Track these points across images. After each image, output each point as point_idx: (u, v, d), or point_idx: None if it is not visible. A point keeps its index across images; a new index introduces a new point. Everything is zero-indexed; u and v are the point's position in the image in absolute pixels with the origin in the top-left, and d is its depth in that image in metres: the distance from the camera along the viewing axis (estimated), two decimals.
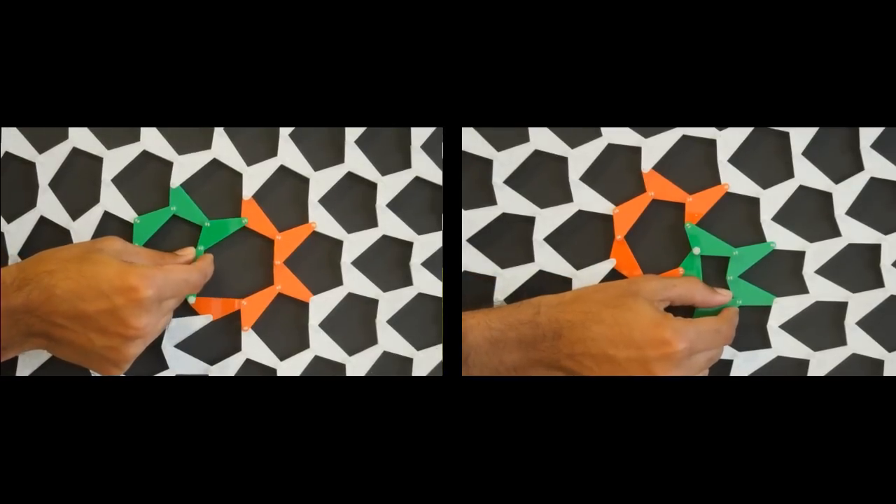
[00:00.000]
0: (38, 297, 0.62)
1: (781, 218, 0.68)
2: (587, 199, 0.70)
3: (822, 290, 0.68)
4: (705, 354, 0.65)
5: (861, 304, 0.68)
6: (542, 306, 0.65)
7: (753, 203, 0.69)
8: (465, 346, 0.65)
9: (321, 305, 0.70)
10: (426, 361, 0.71)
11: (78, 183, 0.71)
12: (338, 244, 0.71)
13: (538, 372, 0.65)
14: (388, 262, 0.71)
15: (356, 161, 0.71)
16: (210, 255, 0.69)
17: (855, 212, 0.68)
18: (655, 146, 0.69)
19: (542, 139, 0.70)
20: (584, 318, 0.64)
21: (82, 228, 0.70)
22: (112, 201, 0.70)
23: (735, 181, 0.69)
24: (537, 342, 0.64)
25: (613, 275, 0.70)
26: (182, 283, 0.65)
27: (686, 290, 0.66)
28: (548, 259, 0.70)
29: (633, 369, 0.62)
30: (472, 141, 0.70)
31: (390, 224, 0.71)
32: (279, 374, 0.70)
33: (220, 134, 0.70)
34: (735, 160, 0.69)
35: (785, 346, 0.68)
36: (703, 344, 0.64)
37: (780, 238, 0.68)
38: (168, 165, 0.70)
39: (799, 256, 0.68)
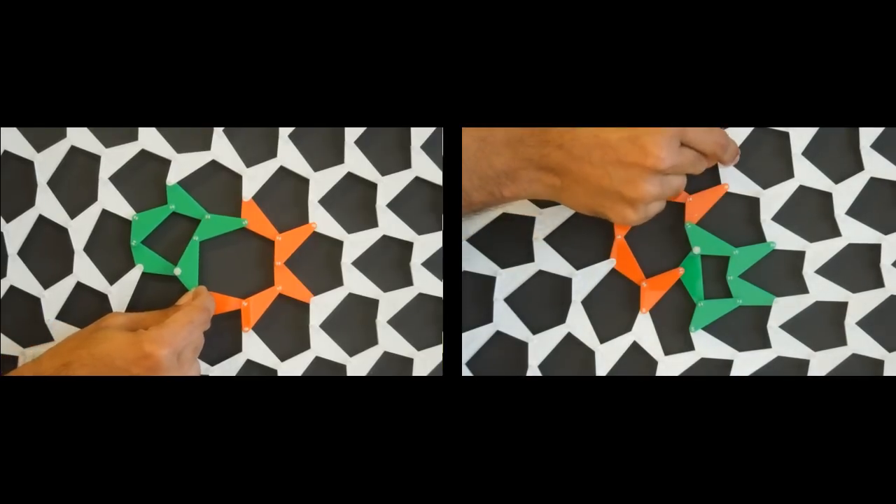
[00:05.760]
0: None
1: (781, 218, 0.68)
2: None
3: (822, 290, 0.68)
4: (694, 147, 0.63)
5: (861, 304, 0.68)
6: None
7: (753, 203, 0.69)
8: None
9: (322, 306, 0.70)
10: (426, 361, 0.71)
11: (76, 181, 0.71)
12: (338, 244, 0.70)
13: (528, 175, 0.63)
14: (388, 263, 0.71)
15: (356, 161, 0.70)
16: (202, 287, 0.70)
17: (855, 212, 0.68)
18: None
19: None
20: None
21: (81, 226, 0.70)
22: (110, 199, 0.70)
23: (735, 181, 0.69)
24: (525, 137, 0.62)
25: (613, 274, 0.70)
26: (189, 327, 0.65)
27: (705, 138, 0.64)
28: (548, 259, 0.70)
29: (623, 150, 0.60)
30: None
31: (390, 224, 0.71)
32: (280, 374, 0.70)
33: (219, 135, 0.70)
34: None
35: (785, 346, 0.69)
36: (690, 132, 0.63)
37: (780, 238, 0.68)
38: (166, 163, 0.70)
39: (799, 256, 0.68)
